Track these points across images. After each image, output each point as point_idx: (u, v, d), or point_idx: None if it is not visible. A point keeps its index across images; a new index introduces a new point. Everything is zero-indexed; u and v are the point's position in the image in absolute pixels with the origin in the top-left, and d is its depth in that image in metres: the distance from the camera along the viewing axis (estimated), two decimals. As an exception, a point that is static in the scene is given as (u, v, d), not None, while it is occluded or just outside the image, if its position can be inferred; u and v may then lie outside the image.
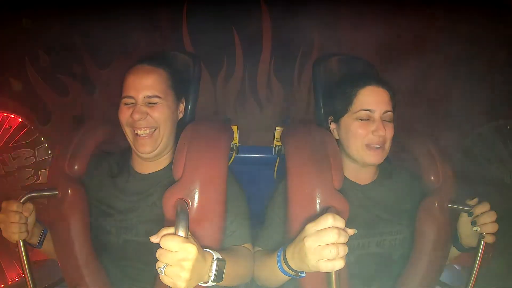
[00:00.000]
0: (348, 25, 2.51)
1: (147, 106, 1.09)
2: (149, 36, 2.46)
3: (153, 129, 1.10)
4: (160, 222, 0.95)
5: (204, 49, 2.47)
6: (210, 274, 0.81)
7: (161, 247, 0.73)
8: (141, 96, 1.09)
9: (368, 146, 1.08)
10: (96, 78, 2.45)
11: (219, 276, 0.83)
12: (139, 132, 1.09)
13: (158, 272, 0.73)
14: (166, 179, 1.13)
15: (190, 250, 0.73)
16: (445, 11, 2.42)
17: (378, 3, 2.47)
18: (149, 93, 1.09)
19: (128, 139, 1.13)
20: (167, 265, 0.73)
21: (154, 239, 0.76)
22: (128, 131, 1.11)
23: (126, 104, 1.11)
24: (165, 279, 0.74)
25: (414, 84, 2.50)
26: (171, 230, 0.76)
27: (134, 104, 1.09)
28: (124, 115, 1.10)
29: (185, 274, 0.73)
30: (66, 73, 2.41)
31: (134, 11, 2.38)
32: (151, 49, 2.35)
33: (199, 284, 0.83)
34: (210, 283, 0.83)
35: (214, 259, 0.83)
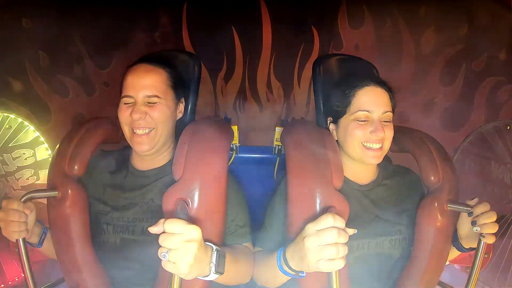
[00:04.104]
0: (348, 24, 2.51)
1: (147, 105, 1.09)
2: (149, 36, 2.46)
3: (151, 129, 1.10)
4: (158, 220, 0.95)
5: (204, 49, 2.47)
6: (211, 265, 0.81)
7: (163, 232, 0.74)
8: (140, 95, 1.09)
9: (366, 146, 1.08)
10: (96, 78, 2.45)
11: (220, 266, 0.83)
12: (137, 131, 1.09)
13: (161, 258, 0.73)
14: (164, 176, 1.13)
15: (195, 231, 0.74)
16: (446, 10, 2.42)
17: (378, 3, 2.47)
18: (148, 93, 1.09)
19: (126, 137, 1.13)
20: (170, 250, 0.73)
21: (154, 229, 0.76)
22: (126, 130, 1.12)
23: (125, 103, 1.11)
24: (168, 265, 0.74)
25: (414, 83, 2.50)
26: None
27: (134, 104, 1.09)
28: (124, 114, 1.10)
29: (190, 257, 0.73)
30: (66, 73, 2.41)
31: (134, 11, 2.39)
32: (151, 49, 2.36)
33: (201, 278, 0.83)
34: (212, 275, 0.83)
35: (214, 249, 0.83)
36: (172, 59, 1.30)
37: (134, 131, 1.10)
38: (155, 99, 1.10)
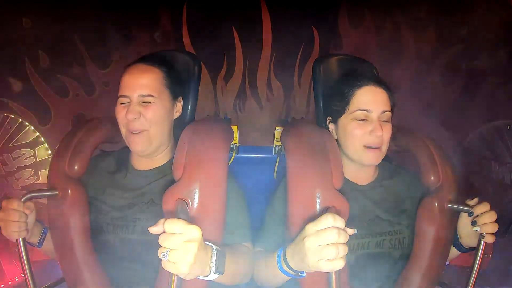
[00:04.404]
0: (348, 24, 2.51)
1: (141, 105, 1.09)
2: (149, 36, 2.46)
3: (144, 131, 1.10)
4: (157, 220, 0.95)
5: (204, 49, 2.47)
6: (211, 265, 0.81)
7: (164, 233, 0.74)
8: (135, 95, 1.09)
9: (365, 146, 1.08)
10: (96, 78, 2.45)
11: (220, 266, 0.83)
12: (132, 132, 1.09)
13: (161, 258, 0.73)
14: (164, 176, 1.13)
15: (195, 231, 0.74)
16: (446, 10, 2.42)
17: (378, 3, 2.47)
18: (143, 92, 1.09)
19: (123, 138, 1.13)
20: (170, 250, 0.73)
21: (154, 229, 0.76)
22: (123, 130, 1.12)
23: (121, 103, 1.11)
24: (168, 265, 0.74)
25: (414, 83, 2.50)
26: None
27: (129, 103, 1.10)
28: (120, 114, 1.11)
29: (190, 257, 0.73)
30: (66, 73, 2.41)
31: (134, 11, 2.39)
32: (151, 49, 2.36)
33: (201, 278, 0.83)
34: (212, 275, 0.83)
35: (214, 249, 0.83)
36: (170, 59, 1.30)
37: (130, 131, 1.10)
38: (149, 99, 1.10)
